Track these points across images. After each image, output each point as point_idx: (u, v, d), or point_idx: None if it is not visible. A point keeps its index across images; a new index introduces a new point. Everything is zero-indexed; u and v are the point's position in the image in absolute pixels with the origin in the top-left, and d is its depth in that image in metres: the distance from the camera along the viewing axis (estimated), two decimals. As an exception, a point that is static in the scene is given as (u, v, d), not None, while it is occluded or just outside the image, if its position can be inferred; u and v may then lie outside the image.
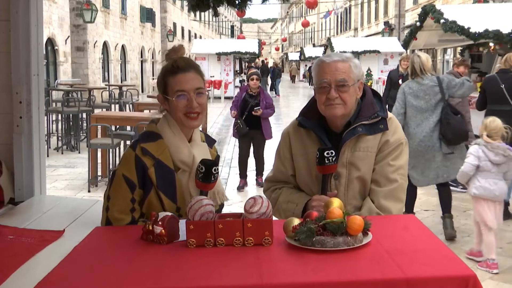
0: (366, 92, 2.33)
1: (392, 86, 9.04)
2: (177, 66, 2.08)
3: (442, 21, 10.56)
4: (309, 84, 34.86)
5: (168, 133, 2.11)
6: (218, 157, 2.28)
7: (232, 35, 65.54)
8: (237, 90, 25.10)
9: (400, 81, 8.92)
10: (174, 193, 2.08)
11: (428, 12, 11.33)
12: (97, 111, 10.26)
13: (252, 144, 7.46)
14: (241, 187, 7.29)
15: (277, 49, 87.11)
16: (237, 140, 7.83)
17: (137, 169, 2.05)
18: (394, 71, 9.49)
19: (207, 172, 1.95)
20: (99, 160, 7.74)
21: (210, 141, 2.31)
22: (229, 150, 10.67)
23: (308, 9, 37.73)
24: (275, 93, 28.76)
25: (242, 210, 1.79)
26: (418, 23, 12.34)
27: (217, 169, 2.01)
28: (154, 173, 2.05)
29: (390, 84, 9.29)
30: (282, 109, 20.45)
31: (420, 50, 15.63)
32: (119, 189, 2.06)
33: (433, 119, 5.20)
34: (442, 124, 5.17)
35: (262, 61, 33.67)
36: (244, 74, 32.01)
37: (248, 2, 3.59)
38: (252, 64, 33.21)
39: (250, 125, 7.21)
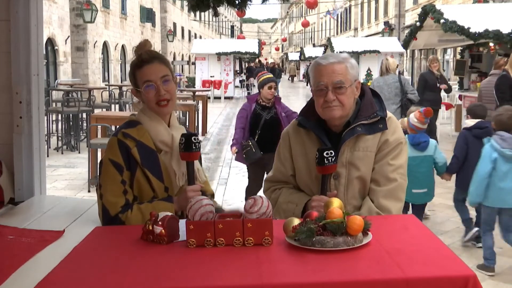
0: (365, 92, 2.33)
1: (428, 89, 9.24)
2: (141, 60, 2.23)
3: (442, 21, 10.57)
4: (307, 85, 34.75)
5: (146, 119, 2.25)
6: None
7: (232, 35, 65.52)
8: (237, 90, 24.76)
9: (437, 84, 9.24)
10: (160, 172, 2.20)
11: (428, 12, 11.33)
12: (97, 111, 10.24)
13: (265, 172, 5.27)
14: None
15: (277, 49, 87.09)
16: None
17: (121, 151, 2.17)
18: (428, 74, 9.51)
19: (188, 141, 2.14)
20: (99, 160, 7.72)
21: None
22: (229, 150, 10.64)
23: (308, 9, 37.73)
24: None
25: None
26: (418, 23, 12.35)
27: (197, 139, 2.18)
28: (137, 152, 2.17)
29: (424, 86, 9.32)
30: (282, 109, 20.38)
31: (420, 50, 15.65)
32: (108, 174, 2.17)
33: (393, 106, 7.07)
34: (403, 108, 7.05)
35: (259, 60, 33.24)
36: (245, 74, 31.57)
37: (248, 2, 3.58)
38: (263, 63, 32.06)
39: (264, 147, 5.27)
